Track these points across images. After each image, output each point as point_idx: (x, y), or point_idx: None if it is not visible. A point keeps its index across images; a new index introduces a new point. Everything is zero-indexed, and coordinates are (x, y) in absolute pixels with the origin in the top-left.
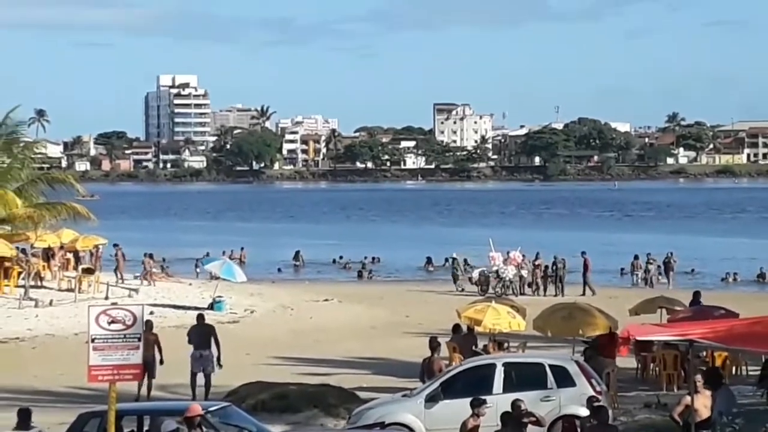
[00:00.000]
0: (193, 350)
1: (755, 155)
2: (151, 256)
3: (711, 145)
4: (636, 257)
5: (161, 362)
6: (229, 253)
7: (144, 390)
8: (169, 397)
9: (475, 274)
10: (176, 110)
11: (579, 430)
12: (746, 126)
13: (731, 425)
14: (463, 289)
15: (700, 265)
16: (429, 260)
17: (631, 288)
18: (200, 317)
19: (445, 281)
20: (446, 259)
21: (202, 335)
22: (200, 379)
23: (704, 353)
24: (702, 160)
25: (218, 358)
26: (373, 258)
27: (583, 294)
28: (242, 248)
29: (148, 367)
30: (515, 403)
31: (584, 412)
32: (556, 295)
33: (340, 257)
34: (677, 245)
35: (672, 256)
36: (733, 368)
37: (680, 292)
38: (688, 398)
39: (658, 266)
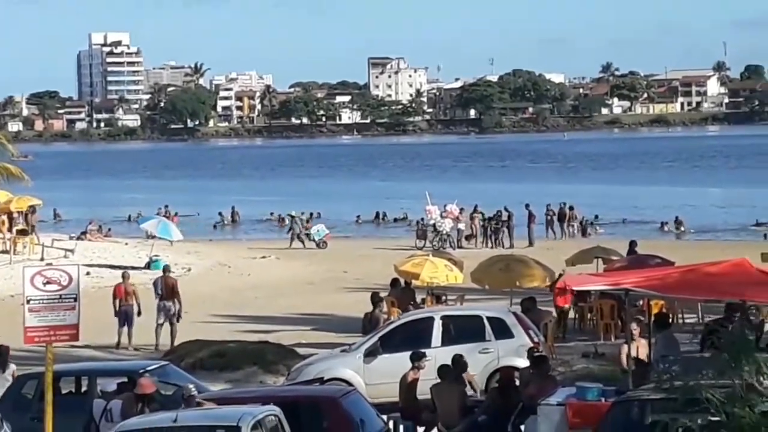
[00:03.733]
0: (158, 301)
1: (689, 104)
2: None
3: (645, 95)
4: (571, 208)
5: (139, 314)
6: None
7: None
8: (108, 357)
9: (314, 230)
10: (109, 68)
11: (518, 381)
12: (680, 75)
13: (668, 372)
14: (303, 244)
15: (634, 214)
16: (379, 215)
17: (566, 239)
18: (166, 268)
19: (382, 237)
20: (286, 216)
21: (169, 287)
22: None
23: (641, 302)
24: (636, 110)
25: (179, 311)
26: (311, 213)
27: (530, 245)
28: (166, 206)
29: (126, 318)
30: (455, 358)
31: (522, 363)
32: (494, 248)
33: (271, 213)
34: (610, 195)
35: (565, 206)
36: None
37: (617, 242)
38: (627, 347)
39: (552, 217)
